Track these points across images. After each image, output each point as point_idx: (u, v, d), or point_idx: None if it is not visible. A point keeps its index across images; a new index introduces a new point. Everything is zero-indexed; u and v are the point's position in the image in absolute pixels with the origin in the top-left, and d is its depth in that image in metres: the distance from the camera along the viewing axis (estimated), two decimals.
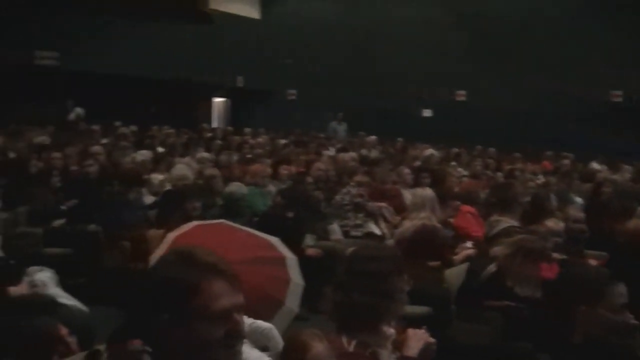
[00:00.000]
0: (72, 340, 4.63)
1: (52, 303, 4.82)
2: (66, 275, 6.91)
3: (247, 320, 3.72)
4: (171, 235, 6.18)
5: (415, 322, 3.25)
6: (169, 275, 1.95)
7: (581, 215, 7.43)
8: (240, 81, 25.76)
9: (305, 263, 6.93)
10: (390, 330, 3.15)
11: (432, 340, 3.13)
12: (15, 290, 4.76)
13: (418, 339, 3.09)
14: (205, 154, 11.20)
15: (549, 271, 5.47)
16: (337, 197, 8.49)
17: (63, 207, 8.24)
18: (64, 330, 4.65)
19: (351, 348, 3.01)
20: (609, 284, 3.59)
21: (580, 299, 3.57)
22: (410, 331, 3.12)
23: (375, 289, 3.06)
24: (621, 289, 3.60)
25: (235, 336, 1.98)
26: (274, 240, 5.28)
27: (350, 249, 3.65)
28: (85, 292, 7.01)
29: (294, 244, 7.28)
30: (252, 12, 26.84)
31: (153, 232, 7.62)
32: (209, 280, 1.94)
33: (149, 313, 1.95)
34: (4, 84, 18.65)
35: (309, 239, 7.62)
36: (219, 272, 1.98)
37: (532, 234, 5.80)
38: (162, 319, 1.92)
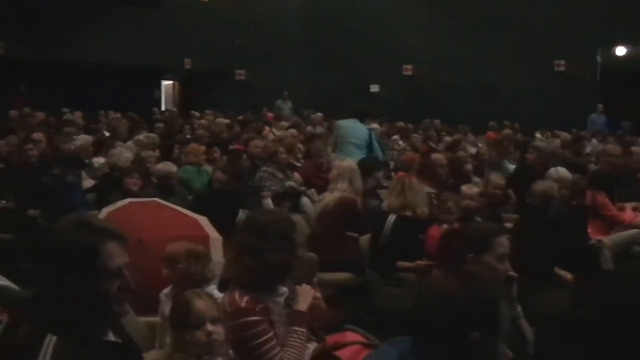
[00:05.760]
0: (3, 317, 4.86)
1: None
2: (10, 258, 7.09)
3: None
4: (105, 210, 6.37)
5: (336, 288, 3.51)
6: (73, 242, 2.24)
7: (501, 181, 7.81)
8: (187, 63, 25.76)
9: None
10: (283, 289, 3.39)
11: (319, 295, 3.37)
12: None
13: (306, 294, 3.32)
14: (142, 137, 11.25)
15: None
16: (259, 173, 8.75)
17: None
18: None
19: (243, 304, 3.23)
20: (494, 236, 3.93)
21: (468, 249, 3.93)
22: (299, 287, 3.35)
23: (285, 247, 3.28)
24: (503, 240, 3.94)
25: (127, 289, 2.27)
26: (202, 219, 5.41)
27: (246, 216, 3.87)
28: (27, 274, 7.22)
29: (229, 220, 7.52)
30: None
31: (91, 214, 7.78)
32: (104, 243, 2.23)
33: (58, 277, 2.23)
34: None
35: (242, 215, 7.81)
36: (112, 236, 2.26)
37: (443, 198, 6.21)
38: (69, 280, 2.21)
